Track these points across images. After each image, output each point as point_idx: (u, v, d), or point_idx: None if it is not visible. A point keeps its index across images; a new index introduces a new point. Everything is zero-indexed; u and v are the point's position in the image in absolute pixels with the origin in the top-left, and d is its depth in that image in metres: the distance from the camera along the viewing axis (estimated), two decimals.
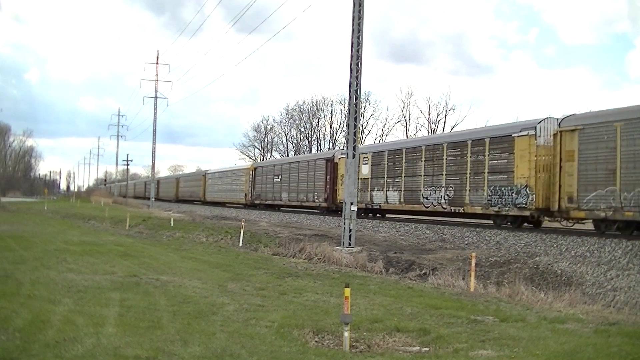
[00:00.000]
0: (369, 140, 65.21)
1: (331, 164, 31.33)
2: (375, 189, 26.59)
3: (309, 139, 73.68)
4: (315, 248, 16.03)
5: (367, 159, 27.41)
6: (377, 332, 6.87)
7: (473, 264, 11.09)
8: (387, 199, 25.75)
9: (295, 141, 75.72)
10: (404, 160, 24.78)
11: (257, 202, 42.04)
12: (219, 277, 11.14)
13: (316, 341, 6.56)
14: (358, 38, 16.81)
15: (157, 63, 53.91)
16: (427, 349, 6.35)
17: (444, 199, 22.08)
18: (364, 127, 64.51)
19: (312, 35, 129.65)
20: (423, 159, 23.46)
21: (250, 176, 43.77)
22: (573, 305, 9.43)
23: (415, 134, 61.35)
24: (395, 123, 66.57)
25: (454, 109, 62.34)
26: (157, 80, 53.77)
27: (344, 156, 27.77)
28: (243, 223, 21.84)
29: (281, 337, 6.47)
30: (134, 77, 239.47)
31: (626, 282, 11.85)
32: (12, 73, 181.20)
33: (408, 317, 7.79)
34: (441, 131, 58.01)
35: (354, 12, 16.76)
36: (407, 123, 64.92)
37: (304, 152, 70.52)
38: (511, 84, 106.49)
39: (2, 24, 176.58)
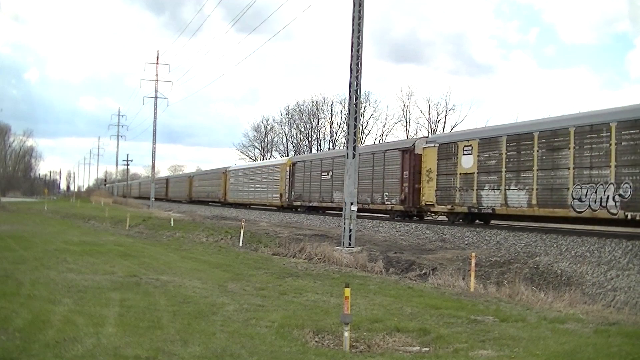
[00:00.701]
0: (369, 140, 65.27)
1: (410, 156, 24.19)
2: (486, 187, 19.88)
3: (309, 139, 73.74)
4: (315, 248, 16.03)
5: (470, 148, 20.82)
6: (377, 332, 6.87)
7: (473, 264, 11.09)
8: (506, 201, 19.07)
9: (295, 141, 75.82)
10: (536, 148, 18.17)
11: (297, 203, 35.01)
12: (219, 277, 11.14)
13: (316, 341, 6.56)
14: (358, 38, 16.81)
15: (157, 63, 53.98)
16: (427, 349, 6.35)
17: (614, 200, 15.51)
18: (364, 127, 64.57)
19: (312, 35, 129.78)
20: (572, 145, 16.92)
21: (287, 173, 36.30)
22: (573, 305, 9.44)
23: (415, 134, 61.38)
24: (395, 123, 66.69)
25: (454, 109, 62.39)
26: (157, 80, 53.83)
27: (431, 145, 23.03)
28: (243, 223, 21.85)
29: (281, 337, 6.47)
30: (134, 77, 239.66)
31: (626, 282, 11.86)
32: (11, 73, 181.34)
33: (408, 317, 7.79)
34: (441, 131, 57.88)
35: (354, 12, 16.76)
36: (407, 123, 65.02)
37: (303, 152, 70.43)
38: (511, 84, 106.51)
39: (1, 23, 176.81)
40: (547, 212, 17.99)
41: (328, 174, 31.33)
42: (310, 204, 33.45)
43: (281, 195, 37.13)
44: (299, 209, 35.49)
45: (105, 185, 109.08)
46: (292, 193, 35.44)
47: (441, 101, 70.68)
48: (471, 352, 6.05)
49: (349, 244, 16.52)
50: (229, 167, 52.87)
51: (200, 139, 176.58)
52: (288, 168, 36.53)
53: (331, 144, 69.17)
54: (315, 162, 33.39)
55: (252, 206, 44.38)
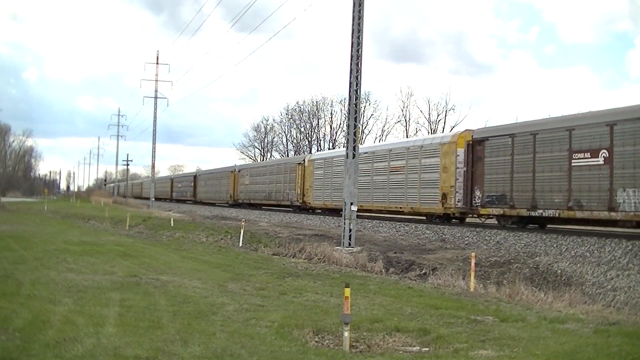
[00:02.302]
0: (369, 140, 65.17)
1: None
2: None
3: (309, 139, 73.79)
4: (315, 248, 16.03)
5: None
6: (377, 332, 6.87)
7: (473, 264, 11.09)
8: None
9: (295, 141, 75.85)
10: None
11: (490, 211, 19.83)
12: (219, 277, 11.14)
13: (316, 341, 6.56)
14: (358, 38, 16.81)
15: (157, 63, 53.90)
16: (427, 349, 6.35)
17: None
18: (364, 127, 64.56)
19: (312, 35, 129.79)
20: None
21: (460, 157, 21.08)
22: (573, 305, 9.44)
23: (415, 134, 61.31)
24: (395, 123, 66.69)
25: (454, 109, 62.30)
26: (157, 80, 53.75)
27: None
28: (243, 223, 21.85)
29: (281, 337, 6.48)
30: (133, 77, 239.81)
31: (626, 282, 11.86)
32: (10, 72, 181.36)
33: (408, 317, 7.79)
34: (441, 131, 57.73)
35: (354, 12, 16.76)
36: (407, 123, 65.02)
37: (303, 152, 70.33)
38: (511, 83, 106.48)
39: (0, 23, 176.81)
40: None
41: (597, 156, 15.95)
42: (536, 213, 17.75)
43: (445, 196, 21.70)
44: (490, 217, 20.83)
45: (105, 185, 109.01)
46: (478, 193, 20.20)
47: (441, 101, 70.70)
48: (471, 352, 6.05)
49: (349, 244, 16.51)
50: (311, 155, 37.64)
51: (200, 139, 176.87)
52: (462, 150, 21.10)
53: (331, 144, 69.21)
54: (545, 136, 17.56)
55: (370, 213, 27.65)
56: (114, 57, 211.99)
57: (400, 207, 24.64)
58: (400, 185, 24.50)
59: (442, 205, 21.80)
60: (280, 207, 38.44)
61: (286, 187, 36.98)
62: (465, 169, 20.86)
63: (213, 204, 51.57)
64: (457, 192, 21.03)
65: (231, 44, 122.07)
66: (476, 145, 20.43)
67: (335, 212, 28.74)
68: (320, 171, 32.21)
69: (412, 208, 23.76)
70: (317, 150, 67.15)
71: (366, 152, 27.55)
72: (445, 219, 22.45)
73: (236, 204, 46.39)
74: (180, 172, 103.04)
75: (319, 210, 31.86)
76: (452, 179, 21.31)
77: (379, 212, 27.08)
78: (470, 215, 21.84)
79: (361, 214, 26.58)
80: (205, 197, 55.61)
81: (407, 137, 59.17)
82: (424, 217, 23.97)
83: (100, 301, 8.10)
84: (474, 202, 20.28)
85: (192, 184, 60.84)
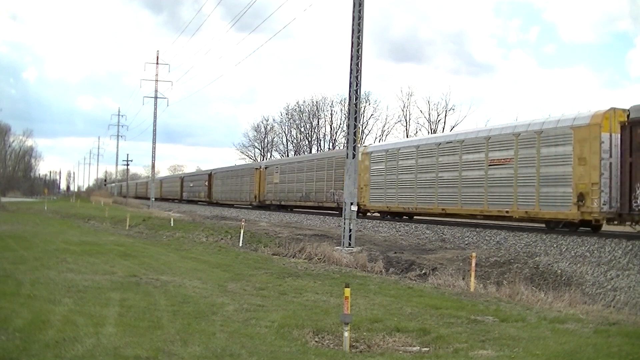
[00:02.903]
0: (369, 140, 65.18)
1: None
2: None
3: (309, 139, 73.81)
4: (315, 248, 16.03)
5: None
6: (377, 332, 6.88)
7: (473, 264, 11.09)
8: None
9: (295, 141, 75.88)
10: None
11: None
12: (219, 277, 11.14)
13: (316, 341, 6.56)
14: (358, 38, 16.81)
15: (157, 63, 53.92)
16: (427, 349, 6.35)
17: None
18: (364, 127, 64.56)
19: (312, 35, 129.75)
20: None
21: (601, 145, 15.58)
22: (573, 305, 9.44)
23: (415, 134, 61.29)
24: (395, 123, 66.67)
25: (453, 109, 62.29)
26: (157, 80, 53.77)
27: None
28: (243, 223, 21.84)
29: (281, 337, 6.48)
30: (132, 76, 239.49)
31: (626, 282, 11.87)
32: (9, 72, 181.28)
33: (408, 317, 7.79)
34: (441, 131, 57.71)
35: (354, 12, 16.75)
36: (407, 123, 65.01)
37: (303, 152, 70.32)
38: (511, 83, 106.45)
39: None
40: None
41: None
42: None
43: (582, 196, 15.97)
44: None
45: (105, 185, 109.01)
46: None
47: (441, 101, 70.72)
48: (471, 352, 6.05)
49: (349, 244, 16.51)
50: (365, 147, 28.09)
51: (200, 138, 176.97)
52: (608, 135, 15.62)
53: (331, 144, 69.27)
54: None
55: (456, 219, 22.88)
56: (114, 56, 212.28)
57: (507, 212, 18.68)
58: (506, 182, 18.68)
59: (578, 209, 16.07)
60: (323, 210, 31.32)
61: (330, 186, 29.97)
62: (614, 160, 15.38)
63: (231, 206, 46.03)
64: (603, 191, 15.46)
65: (231, 44, 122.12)
66: (636, 128, 14.49)
67: (400, 216, 25.04)
68: (380, 166, 25.67)
69: (526, 212, 18.02)
70: (317, 150, 67.10)
71: (450, 142, 21.80)
72: (578, 226, 17.03)
73: (262, 206, 40.15)
74: (181, 171, 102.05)
75: (377, 214, 25.75)
76: (594, 173, 15.64)
77: (472, 217, 21.17)
78: (617, 223, 15.94)
79: (443, 219, 22.67)
80: (222, 198, 49.50)
81: (407, 137, 59.06)
82: (543, 225, 18.37)
83: (100, 301, 8.10)
84: (634, 204, 14.56)
85: (207, 183, 54.46)
